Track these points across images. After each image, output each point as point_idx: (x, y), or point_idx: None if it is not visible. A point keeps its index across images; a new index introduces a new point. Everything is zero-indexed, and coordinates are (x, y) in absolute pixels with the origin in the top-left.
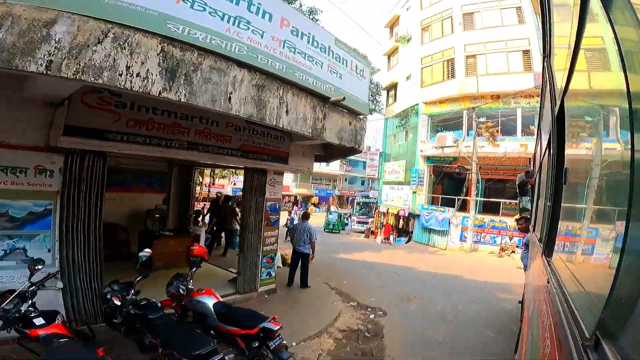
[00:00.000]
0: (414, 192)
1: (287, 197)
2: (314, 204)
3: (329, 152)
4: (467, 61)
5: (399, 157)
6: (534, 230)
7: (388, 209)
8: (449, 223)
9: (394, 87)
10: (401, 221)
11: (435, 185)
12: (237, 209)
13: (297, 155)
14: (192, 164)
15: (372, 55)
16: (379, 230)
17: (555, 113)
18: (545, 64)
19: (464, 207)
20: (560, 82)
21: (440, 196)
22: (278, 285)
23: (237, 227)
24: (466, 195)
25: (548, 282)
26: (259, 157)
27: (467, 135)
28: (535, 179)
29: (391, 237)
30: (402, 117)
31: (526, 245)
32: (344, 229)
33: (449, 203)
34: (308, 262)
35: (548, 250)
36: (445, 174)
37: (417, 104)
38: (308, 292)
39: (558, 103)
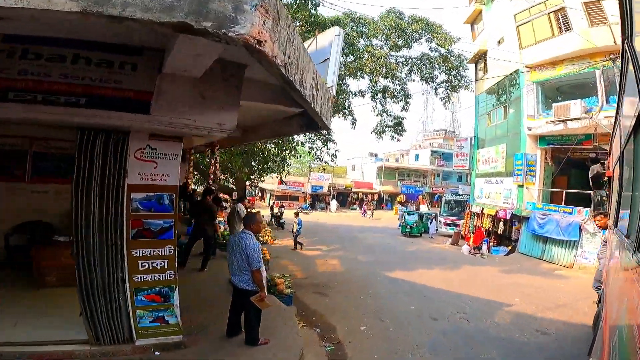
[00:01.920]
0: (520, 186)
1: (370, 194)
2: (401, 203)
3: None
4: (586, 8)
5: (496, 140)
6: (616, 226)
7: (483, 208)
8: (580, 230)
9: (482, 57)
10: (501, 225)
11: (555, 176)
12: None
13: (184, 99)
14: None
15: (451, 27)
16: (471, 235)
17: None
18: (625, 45)
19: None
20: None
21: (564, 191)
22: (211, 336)
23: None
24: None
25: None
26: (35, 99)
27: (607, 102)
28: (613, 169)
29: (484, 247)
30: (497, 91)
31: (604, 243)
32: (427, 232)
33: (578, 201)
34: (252, 305)
35: None
36: (570, 160)
37: (518, 71)
38: (252, 355)
39: None
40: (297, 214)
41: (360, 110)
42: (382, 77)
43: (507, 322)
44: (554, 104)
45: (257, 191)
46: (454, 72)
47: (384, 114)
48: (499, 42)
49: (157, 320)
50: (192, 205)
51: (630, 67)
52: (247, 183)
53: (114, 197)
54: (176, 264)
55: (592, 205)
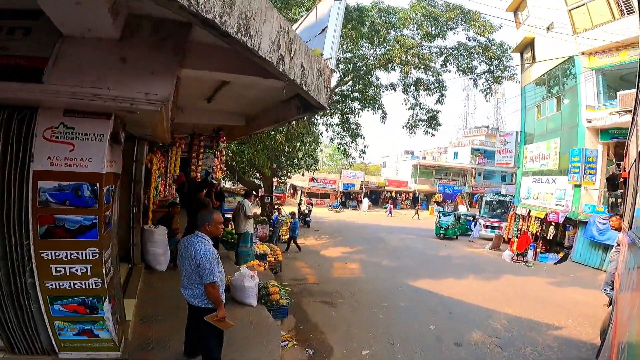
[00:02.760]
0: (577, 186)
1: (404, 193)
2: (437, 202)
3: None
4: None
5: (547, 135)
6: (630, 228)
7: (530, 210)
8: None
9: (528, 45)
10: (551, 229)
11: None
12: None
13: (94, 65)
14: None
15: (492, 15)
16: (514, 239)
17: None
18: None
19: None
20: None
21: None
22: (168, 352)
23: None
24: None
25: None
26: None
27: None
28: (629, 171)
29: (529, 253)
30: (548, 81)
31: (618, 245)
32: (467, 235)
33: None
34: (208, 326)
35: None
36: None
37: (573, 57)
38: None
39: None
40: (293, 215)
41: (394, 105)
42: (414, 68)
43: (554, 351)
44: (619, 93)
45: (288, 188)
46: (495, 62)
47: (417, 107)
48: (547, 29)
49: (83, 333)
50: (183, 201)
51: None
52: (275, 179)
53: (16, 186)
54: (104, 270)
55: (607, 207)
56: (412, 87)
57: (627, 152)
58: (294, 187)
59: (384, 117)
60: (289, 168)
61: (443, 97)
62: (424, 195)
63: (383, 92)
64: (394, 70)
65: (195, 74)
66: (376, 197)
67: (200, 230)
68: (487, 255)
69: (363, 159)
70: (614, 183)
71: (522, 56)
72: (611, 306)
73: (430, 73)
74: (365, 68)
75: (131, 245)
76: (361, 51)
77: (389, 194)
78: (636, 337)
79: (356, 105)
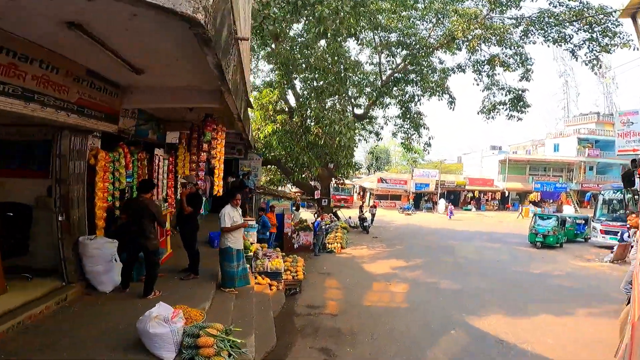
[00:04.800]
0: None
1: (490, 192)
2: (533, 202)
3: None
4: None
5: None
6: None
7: None
8: None
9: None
10: None
11: None
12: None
13: None
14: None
15: None
16: None
17: None
18: None
19: None
20: None
21: None
22: None
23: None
24: None
25: None
26: None
27: None
28: None
29: None
30: None
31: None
32: (576, 242)
33: None
34: None
35: None
36: None
37: None
38: None
39: None
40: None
41: (468, 89)
42: (484, 42)
43: None
44: None
45: (357, 190)
46: (598, 28)
47: (493, 88)
48: None
49: None
50: (125, 205)
51: None
52: (334, 180)
53: None
54: None
55: (624, 205)
56: (486, 66)
57: None
58: (363, 189)
59: (451, 102)
60: (347, 167)
61: (529, 73)
62: (515, 194)
63: (449, 74)
64: (459, 50)
65: None
66: (455, 197)
67: None
68: (606, 273)
69: (428, 152)
70: (630, 179)
71: (635, 20)
72: (629, 304)
73: (507, 46)
74: (423, 50)
75: (61, 259)
76: (413, 29)
77: (470, 194)
78: None
79: (416, 90)
